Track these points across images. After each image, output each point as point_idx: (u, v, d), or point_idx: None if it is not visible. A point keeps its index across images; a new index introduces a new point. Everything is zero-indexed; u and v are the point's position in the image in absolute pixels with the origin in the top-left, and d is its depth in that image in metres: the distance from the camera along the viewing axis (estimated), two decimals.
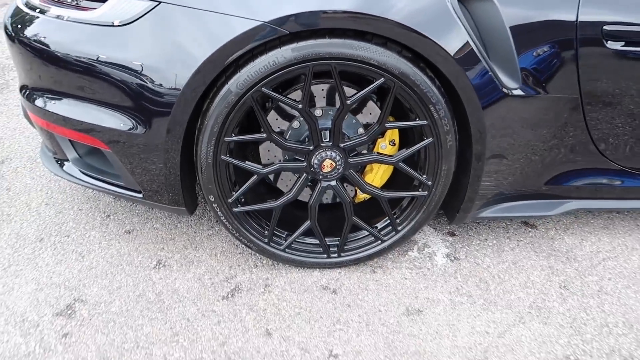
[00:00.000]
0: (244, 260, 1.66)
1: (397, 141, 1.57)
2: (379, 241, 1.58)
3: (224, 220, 1.49)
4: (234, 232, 1.52)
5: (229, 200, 1.46)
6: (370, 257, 1.60)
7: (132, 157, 1.43)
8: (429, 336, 1.40)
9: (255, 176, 1.46)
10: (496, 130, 1.42)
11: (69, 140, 1.58)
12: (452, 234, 1.81)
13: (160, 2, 1.28)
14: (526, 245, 1.77)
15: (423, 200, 1.52)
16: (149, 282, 1.55)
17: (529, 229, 1.85)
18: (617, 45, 1.38)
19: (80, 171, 1.62)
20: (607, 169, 1.61)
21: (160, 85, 1.30)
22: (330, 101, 1.55)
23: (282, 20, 1.22)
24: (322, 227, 1.56)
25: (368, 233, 1.59)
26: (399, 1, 1.25)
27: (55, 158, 1.70)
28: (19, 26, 1.51)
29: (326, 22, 1.24)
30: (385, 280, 1.59)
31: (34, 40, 1.45)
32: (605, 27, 1.36)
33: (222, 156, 1.39)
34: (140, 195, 1.53)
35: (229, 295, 1.52)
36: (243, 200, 1.51)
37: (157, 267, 1.62)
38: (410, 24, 1.25)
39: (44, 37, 1.44)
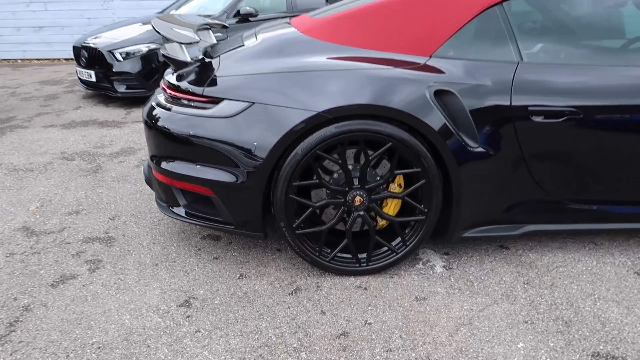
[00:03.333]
0: (300, 272, 2.36)
1: (402, 184, 2.34)
2: (394, 253, 2.29)
3: (290, 240, 2.23)
4: (296, 247, 2.24)
5: (294, 225, 2.20)
6: (389, 266, 2.31)
7: (230, 200, 2.20)
8: (432, 312, 2.07)
9: (311, 208, 2.21)
10: (467, 176, 2.18)
11: (181, 190, 2.37)
12: (447, 254, 2.51)
13: (254, 103, 2.13)
14: (501, 259, 2.46)
15: (422, 222, 2.25)
16: (237, 287, 2.25)
17: (504, 250, 2.55)
18: (539, 119, 2.18)
19: (187, 212, 2.39)
20: (547, 200, 2.34)
21: (253, 152, 2.10)
22: (356, 159, 2.33)
23: (329, 111, 2.05)
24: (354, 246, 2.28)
25: (387, 248, 2.30)
26: (397, 96, 2.08)
27: (167, 205, 2.47)
28: (153, 119, 2.36)
29: (354, 110, 2.07)
30: (400, 281, 2.28)
31: (164, 127, 2.29)
32: (530, 108, 2.17)
33: (290, 195, 2.15)
34: (232, 227, 2.28)
35: (293, 293, 2.21)
36: (302, 226, 2.25)
37: (241, 278, 2.32)
38: (406, 109, 2.07)
39: (171, 125, 2.27)
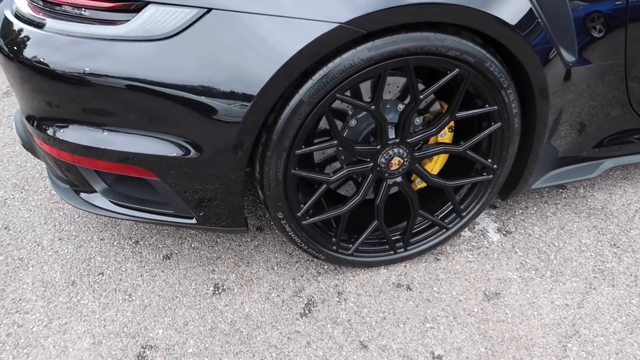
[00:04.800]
0: (305, 269, 1.58)
1: (454, 128, 1.52)
2: (444, 229, 1.56)
3: (293, 235, 1.40)
4: (303, 245, 1.43)
5: (298, 214, 1.36)
6: (434, 246, 1.58)
7: (186, 183, 1.28)
8: (517, 319, 1.42)
9: (325, 185, 1.36)
10: (557, 105, 1.41)
11: (95, 171, 1.39)
12: (494, 207, 1.83)
13: (211, 9, 1.12)
14: (564, 207, 1.82)
15: (487, 183, 1.50)
16: (216, 312, 1.44)
17: (561, 190, 1.91)
18: None
19: (112, 202, 1.44)
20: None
21: (222, 104, 1.15)
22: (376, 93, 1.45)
23: (359, 20, 1.11)
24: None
25: (430, 222, 1.56)
26: None
27: (72, 189, 1.50)
28: (15, 46, 1.27)
29: (405, 16, 1.14)
30: (451, 266, 1.58)
31: (37, 62, 1.23)
32: None
33: (293, 170, 1.28)
34: (193, 221, 1.39)
35: (306, 311, 1.44)
36: (311, 212, 1.41)
37: (217, 292, 1.50)
38: (485, 8, 1.18)
39: (50, 57, 1.22)
